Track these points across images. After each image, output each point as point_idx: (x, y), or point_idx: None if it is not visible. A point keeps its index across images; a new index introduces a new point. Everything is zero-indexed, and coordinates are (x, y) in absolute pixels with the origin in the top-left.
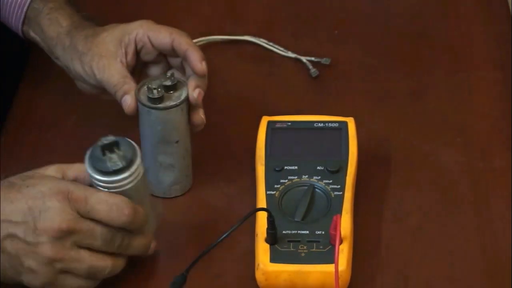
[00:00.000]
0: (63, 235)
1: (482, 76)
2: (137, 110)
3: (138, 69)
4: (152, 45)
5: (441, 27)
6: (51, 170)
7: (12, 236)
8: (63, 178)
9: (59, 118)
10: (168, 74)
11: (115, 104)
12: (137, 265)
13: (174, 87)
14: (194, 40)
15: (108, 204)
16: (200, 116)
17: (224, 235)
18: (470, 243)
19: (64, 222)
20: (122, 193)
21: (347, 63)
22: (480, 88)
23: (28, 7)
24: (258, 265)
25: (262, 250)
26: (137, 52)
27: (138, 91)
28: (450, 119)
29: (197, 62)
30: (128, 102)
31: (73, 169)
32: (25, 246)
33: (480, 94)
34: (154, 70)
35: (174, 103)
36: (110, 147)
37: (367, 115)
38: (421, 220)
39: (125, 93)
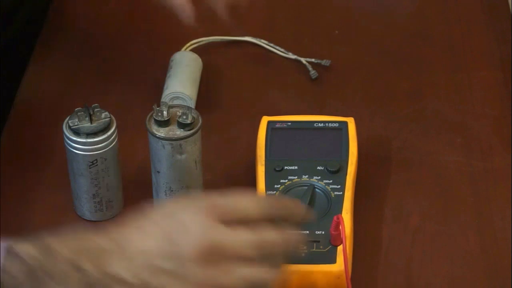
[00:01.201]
0: (206, 250)
1: (482, 76)
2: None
3: None
4: None
5: (441, 27)
6: None
7: (153, 269)
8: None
9: (59, 118)
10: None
11: (116, 104)
12: None
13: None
14: (195, 40)
15: (250, 197)
16: None
17: None
18: (470, 243)
19: (205, 240)
20: (98, 155)
21: (347, 63)
22: (480, 88)
23: None
24: None
25: None
26: None
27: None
28: (450, 119)
29: None
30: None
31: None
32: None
33: (480, 94)
34: None
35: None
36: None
37: (367, 115)
38: (421, 220)
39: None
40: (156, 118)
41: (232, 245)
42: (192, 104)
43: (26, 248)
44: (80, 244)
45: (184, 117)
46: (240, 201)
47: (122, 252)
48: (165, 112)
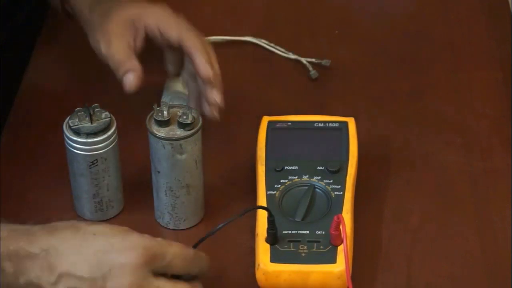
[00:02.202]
0: None
1: (482, 76)
2: (138, 87)
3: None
4: (162, 37)
5: (441, 27)
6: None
7: None
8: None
9: (59, 118)
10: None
11: (116, 104)
12: None
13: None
14: None
15: (184, 258)
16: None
17: (221, 225)
18: (470, 243)
19: (135, 284)
20: (98, 155)
21: (347, 63)
22: (480, 88)
23: None
24: (259, 265)
25: (263, 250)
26: (148, 38)
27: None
28: (450, 119)
29: (203, 67)
30: (131, 79)
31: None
32: None
33: (480, 94)
34: (169, 55)
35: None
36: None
37: (367, 115)
38: (421, 220)
39: (127, 70)
40: (156, 118)
41: None
42: None
43: None
44: (10, 245)
45: (185, 117)
46: (169, 253)
47: (50, 268)
48: (165, 112)
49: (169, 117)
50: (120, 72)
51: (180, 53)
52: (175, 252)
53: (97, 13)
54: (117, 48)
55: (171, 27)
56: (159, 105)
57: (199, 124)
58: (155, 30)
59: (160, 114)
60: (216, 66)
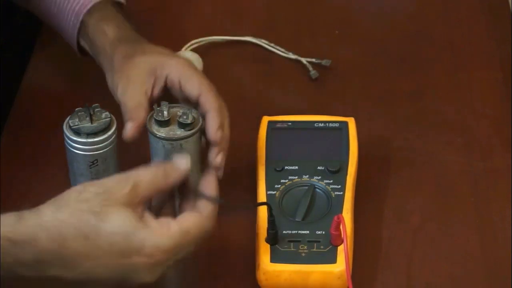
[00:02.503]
0: (156, 279)
1: (482, 76)
2: (134, 138)
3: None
4: (181, 91)
5: (441, 27)
6: (123, 195)
7: (96, 283)
8: (136, 201)
9: (59, 118)
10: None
11: (116, 104)
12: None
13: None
14: (195, 40)
15: (199, 239)
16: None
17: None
18: (470, 243)
19: (156, 276)
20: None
21: (347, 63)
22: (480, 88)
23: (83, 16)
24: (259, 265)
25: (263, 250)
26: (166, 88)
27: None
28: (450, 119)
29: (213, 130)
30: (129, 129)
31: (146, 191)
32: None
33: (480, 94)
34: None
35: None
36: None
37: (367, 115)
38: (421, 220)
39: (129, 119)
40: (157, 118)
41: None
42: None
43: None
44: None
45: (185, 117)
46: (153, 183)
47: (69, 269)
48: (165, 112)
49: (169, 117)
50: (125, 118)
51: (195, 105)
52: (191, 240)
53: (119, 53)
54: (132, 95)
55: (193, 83)
56: (159, 105)
57: (199, 124)
58: (175, 83)
59: (160, 114)
60: (228, 130)
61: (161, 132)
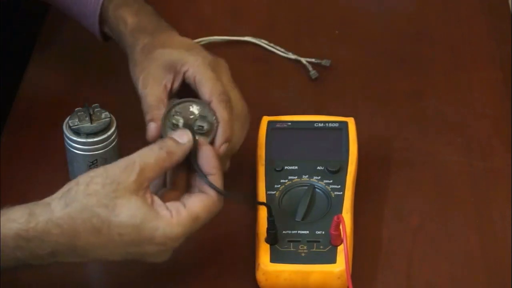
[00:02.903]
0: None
1: (482, 76)
2: (158, 137)
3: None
4: (195, 88)
5: (441, 27)
6: (131, 182)
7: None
8: (144, 186)
9: (59, 118)
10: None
11: (116, 103)
12: (141, 264)
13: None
14: (195, 40)
15: (207, 220)
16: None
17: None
18: (470, 243)
19: (168, 257)
20: (98, 155)
21: (347, 63)
22: (480, 88)
23: (102, 3)
24: (259, 265)
25: (263, 250)
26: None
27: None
28: (450, 119)
29: (218, 144)
30: (152, 130)
31: (152, 173)
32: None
33: (480, 94)
34: None
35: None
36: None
37: (367, 115)
38: (421, 220)
39: (151, 119)
40: (171, 122)
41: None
42: None
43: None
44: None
45: (200, 126)
46: (158, 165)
47: (81, 257)
48: (181, 122)
49: (184, 124)
50: (146, 117)
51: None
52: (201, 224)
53: (139, 45)
54: (152, 92)
55: (205, 89)
56: (175, 111)
57: (213, 133)
58: (191, 82)
59: (174, 121)
60: (239, 137)
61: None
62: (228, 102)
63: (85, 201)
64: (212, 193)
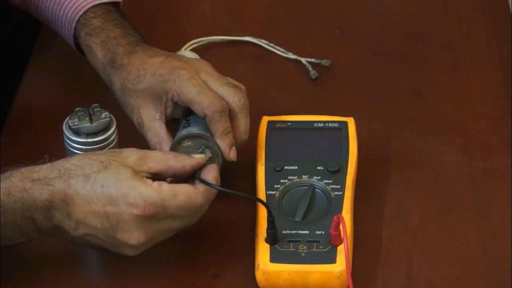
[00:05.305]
0: (142, 242)
1: (482, 76)
2: None
3: None
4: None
5: (441, 27)
6: (131, 160)
7: (93, 236)
8: (141, 168)
9: (59, 118)
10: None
11: (116, 104)
12: (141, 264)
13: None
14: (195, 40)
15: (185, 208)
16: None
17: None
18: (470, 243)
19: (142, 235)
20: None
21: (347, 63)
22: (480, 88)
23: (76, 26)
24: (258, 265)
25: (262, 250)
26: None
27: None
28: (450, 119)
29: (226, 154)
30: None
31: (155, 162)
32: (109, 244)
33: (480, 94)
34: None
35: None
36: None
37: (367, 115)
38: (421, 220)
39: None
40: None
41: (163, 228)
42: None
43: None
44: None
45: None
46: (172, 207)
47: (69, 215)
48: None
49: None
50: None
51: None
52: (179, 205)
53: (116, 86)
54: (150, 132)
55: (195, 102)
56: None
57: (219, 156)
58: (181, 102)
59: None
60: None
61: None
62: (221, 112)
63: (85, 155)
64: (199, 186)
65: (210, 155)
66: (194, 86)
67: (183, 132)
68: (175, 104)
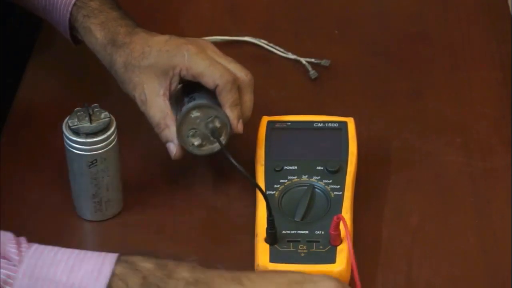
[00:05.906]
0: None
1: (482, 76)
2: (183, 154)
3: None
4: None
5: (441, 27)
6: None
7: None
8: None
9: (59, 118)
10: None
11: (116, 103)
12: None
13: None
14: None
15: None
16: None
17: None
18: (470, 243)
19: None
20: (97, 155)
21: (347, 63)
22: (480, 88)
23: (72, 10)
24: (258, 265)
25: (262, 250)
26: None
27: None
28: (450, 119)
29: (234, 126)
30: (172, 150)
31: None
32: None
33: (480, 94)
34: None
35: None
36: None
37: (367, 115)
38: (421, 220)
39: (167, 140)
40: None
41: None
42: None
43: (143, 262)
44: (201, 275)
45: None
46: None
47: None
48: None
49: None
50: (160, 136)
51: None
52: None
53: (118, 63)
54: (154, 109)
55: (206, 74)
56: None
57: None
58: (189, 77)
59: (192, 142)
60: (248, 103)
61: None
62: (231, 83)
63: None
64: None
65: (219, 125)
66: (203, 59)
67: (190, 104)
68: (181, 80)
